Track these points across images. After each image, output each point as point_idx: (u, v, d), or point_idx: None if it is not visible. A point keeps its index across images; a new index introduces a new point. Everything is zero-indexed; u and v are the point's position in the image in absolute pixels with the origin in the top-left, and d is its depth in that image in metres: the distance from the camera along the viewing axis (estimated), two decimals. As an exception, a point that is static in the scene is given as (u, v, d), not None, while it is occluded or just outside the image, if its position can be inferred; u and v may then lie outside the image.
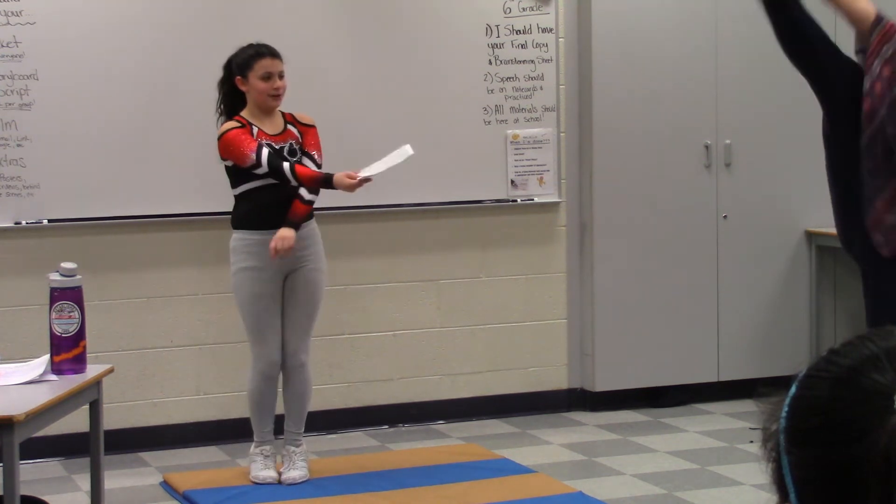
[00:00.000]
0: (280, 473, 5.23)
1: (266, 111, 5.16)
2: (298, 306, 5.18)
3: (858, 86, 4.06)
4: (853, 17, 4.04)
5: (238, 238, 5.15)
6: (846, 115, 4.03)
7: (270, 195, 5.10)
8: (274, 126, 5.19)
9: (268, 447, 5.26)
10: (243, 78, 5.12)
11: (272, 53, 5.14)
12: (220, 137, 5.10)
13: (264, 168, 5.03)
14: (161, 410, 5.94)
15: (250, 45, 5.17)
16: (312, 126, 5.27)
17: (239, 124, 5.10)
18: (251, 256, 5.11)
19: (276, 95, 5.13)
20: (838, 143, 4.09)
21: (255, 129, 5.12)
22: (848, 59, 4.10)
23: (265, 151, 5.05)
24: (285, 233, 5.03)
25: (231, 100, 5.19)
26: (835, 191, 4.18)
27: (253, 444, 5.29)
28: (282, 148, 5.13)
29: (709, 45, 6.49)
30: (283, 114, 5.25)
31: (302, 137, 5.22)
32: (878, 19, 4.01)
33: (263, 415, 5.25)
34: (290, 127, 5.22)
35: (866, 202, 3.97)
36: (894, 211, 3.94)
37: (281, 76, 5.13)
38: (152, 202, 5.80)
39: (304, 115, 5.29)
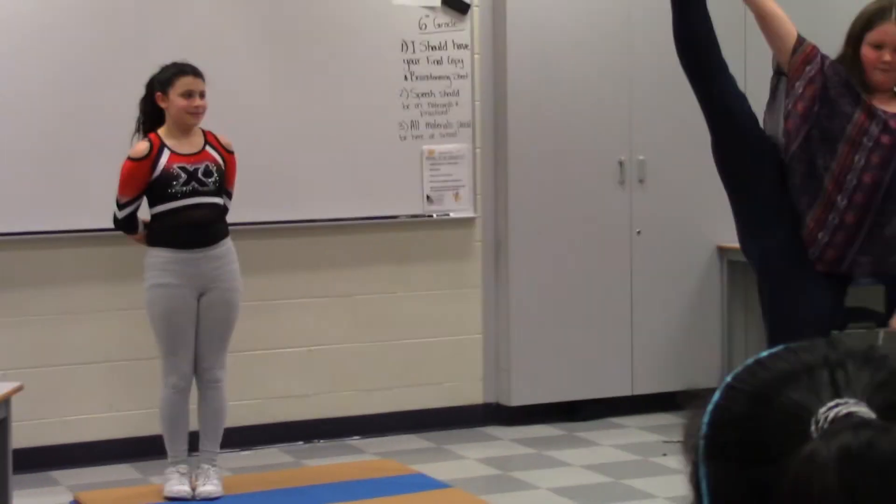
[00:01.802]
0: (194, 489, 5.17)
1: (184, 129, 5.12)
2: (213, 324, 5.15)
3: (742, 100, 4.15)
4: (776, 37, 4.11)
5: (154, 255, 5.11)
6: (732, 132, 4.14)
7: (187, 215, 5.06)
8: (191, 146, 5.14)
9: (183, 466, 5.20)
10: (164, 94, 5.08)
11: (194, 72, 5.11)
12: (126, 159, 5.09)
13: (117, 215, 5.11)
14: (72, 428, 5.84)
15: (174, 64, 5.14)
16: (233, 153, 5.26)
17: (143, 155, 5.05)
18: (166, 273, 5.07)
19: (195, 113, 5.09)
20: (725, 157, 4.21)
21: (167, 152, 5.06)
22: (729, 74, 4.19)
23: (124, 212, 5.09)
24: None
25: (151, 118, 5.15)
26: (732, 204, 4.28)
27: (168, 463, 5.22)
28: (196, 169, 5.09)
29: (623, 61, 6.55)
30: (205, 133, 5.20)
31: (224, 164, 5.20)
32: (800, 41, 4.09)
33: (177, 431, 5.19)
34: (209, 149, 5.17)
35: (799, 216, 4.08)
36: (825, 230, 4.04)
37: (202, 95, 5.10)
38: (64, 218, 5.72)
39: (225, 139, 5.26)
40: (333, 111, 6.13)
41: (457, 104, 6.37)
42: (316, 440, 6.21)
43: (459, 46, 6.36)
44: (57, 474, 5.69)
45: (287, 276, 6.16)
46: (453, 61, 6.36)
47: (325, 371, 6.26)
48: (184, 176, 5.05)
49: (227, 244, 5.19)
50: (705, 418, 1.10)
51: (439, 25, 6.32)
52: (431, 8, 6.29)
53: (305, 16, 6.10)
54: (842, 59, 4.11)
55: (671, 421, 6.46)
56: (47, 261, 5.76)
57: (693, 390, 1.16)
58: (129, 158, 5.07)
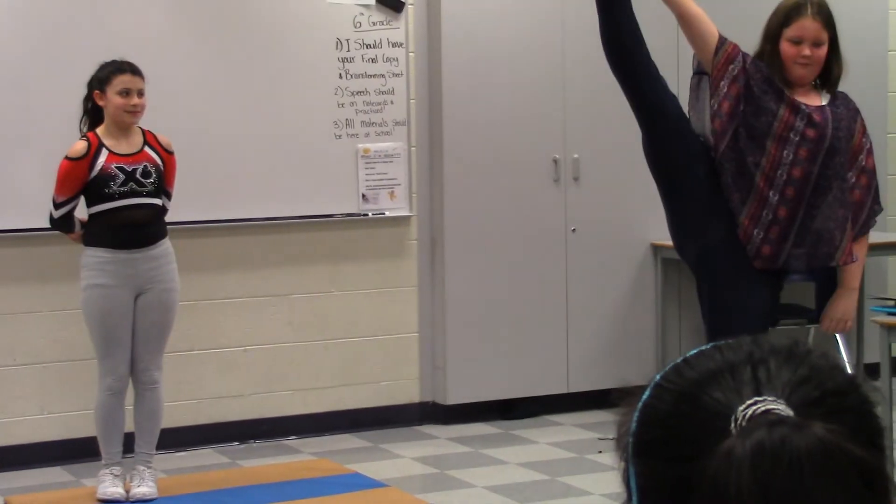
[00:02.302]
0: (128, 492, 5.12)
1: (122, 128, 5.06)
2: (150, 324, 5.10)
3: (672, 99, 4.19)
4: (699, 37, 4.15)
5: (90, 255, 5.05)
6: (663, 131, 4.17)
7: (124, 216, 5.02)
8: (130, 146, 5.08)
9: (117, 468, 5.15)
10: (101, 93, 5.03)
11: (132, 70, 5.05)
12: (64, 158, 5.03)
13: (53, 214, 5.05)
14: (3, 430, 5.76)
15: (112, 62, 5.08)
16: (173, 154, 5.21)
17: (81, 155, 4.99)
18: (102, 274, 5.02)
19: (133, 112, 5.03)
20: (657, 156, 4.25)
21: (105, 152, 5.01)
22: (657, 72, 4.22)
23: (60, 211, 5.03)
24: None
25: (93, 117, 5.09)
26: (664, 203, 4.32)
27: (102, 465, 5.16)
28: (134, 170, 5.03)
29: (557, 60, 6.58)
30: (144, 132, 5.15)
31: (164, 167, 5.14)
32: (722, 40, 4.14)
33: (112, 433, 5.13)
34: (147, 149, 5.12)
35: (734, 214, 4.12)
36: (759, 226, 4.09)
37: (140, 94, 5.04)
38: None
39: (165, 139, 5.21)
40: (268, 109, 6.10)
41: (392, 102, 6.36)
42: (252, 440, 6.18)
43: (394, 45, 6.35)
44: (-13, 478, 5.61)
45: (222, 276, 6.12)
46: (388, 59, 6.35)
47: (260, 371, 6.23)
48: (122, 176, 5.00)
49: (165, 244, 5.14)
50: (635, 416, 1.11)
51: (374, 24, 6.31)
52: (366, 6, 6.28)
53: (240, 14, 6.06)
54: (760, 55, 4.17)
55: (606, 418, 6.49)
56: (-23, 261, 5.67)
57: (627, 388, 1.16)
58: (67, 158, 5.00)
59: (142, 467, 5.16)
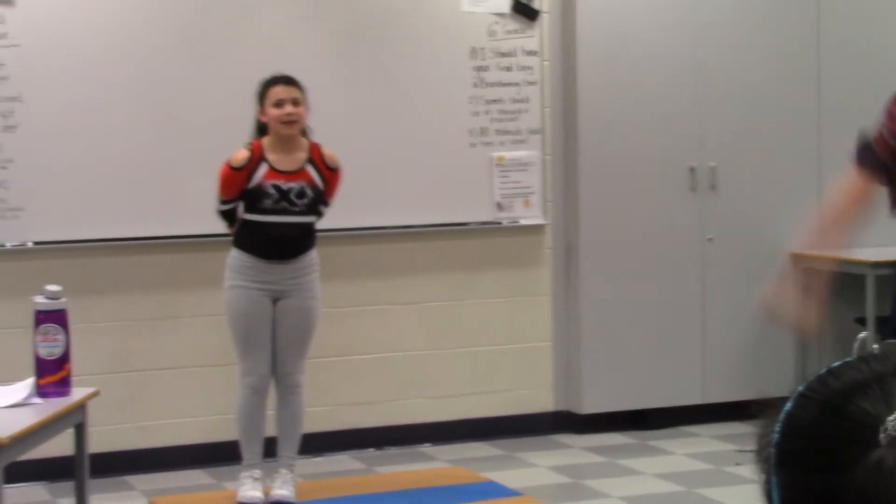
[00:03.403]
0: (266, 494, 5.20)
1: (284, 140, 5.07)
2: (289, 328, 5.15)
3: None
4: (871, 194, 3.85)
5: (234, 256, 5.13)
6: None
7: (272, 232, 5.06)
8: (291, 162, 5.08)
9: (257, 471, 5.20)
10: (261, 108, 5.08)
11: (285, 81, 5.07)
12: (225, 163, 5.09)
13: (218, 207, 5.12)
14: (147, 433, 5.91)
15: (269, 77, 5.11)
16: (336, 170, 5.20)
17: (240, 166, 5.02)
18: (244, 276, 5.09)
19: (288, 122, 5.03)
20: None
21: (265, 167, 5.03)
22: None
23: (224, 207, 5.09)
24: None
25: (262, 134, 5.12)
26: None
27: (242, 467, 5.25)
28: (289, 189, 5.05)
29: (693, 68, 6.51)
30: (311, 146, 5.14)
31: (324, 183, 5.15)
32: (879, 141, 3.83)
33: (252, 435, 5.18)
34: (308, 167, 5.11)
35: None
36: None
37: (295, 103, 5.04)
38: (138, 224, 5.80)
39: (330, 156, 5.18)
40: (404, 119, 6.16)
41: (526, 111, 6.37)
42: (387, 447, 6.23)
43: (529, 53, 6.35)
44: (132, 479, 5.75)
45: (357, 284, 6.19)
46: (523, 68, 6.35)
47: (395, 378, 6.28)
48: (276, 195, 5.02)
49: (310, 256, 5.18)
50: (777, 427, 1.10)
51: (509, 32, 6.32)
52: (501, 15, 6.30)
53: (376, 24, 6.13)
54: None
55: (744, 430, 6.39)
56: (122, 267, 5.83)
57: (766, 399, 1.15)
58: (228, 165, 5.06)
59: (284, 470, 5.24)
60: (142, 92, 5.77)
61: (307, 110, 5.11)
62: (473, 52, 6.27)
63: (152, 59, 5.78)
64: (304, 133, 5.16)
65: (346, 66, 6.08)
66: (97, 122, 5.71)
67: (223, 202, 5.10)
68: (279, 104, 5.02)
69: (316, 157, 5.14)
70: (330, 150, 5.19)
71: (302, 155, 5.11)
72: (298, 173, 5.08)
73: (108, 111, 5.73)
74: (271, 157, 5.06)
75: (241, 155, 5.05)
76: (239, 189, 5.05)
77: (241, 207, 5.11)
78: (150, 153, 5.80)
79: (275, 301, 5.14)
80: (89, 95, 5.70)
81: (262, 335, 5.11)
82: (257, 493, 5.16)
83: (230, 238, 5.20)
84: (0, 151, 5.59)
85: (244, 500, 5.16)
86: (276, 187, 5.03)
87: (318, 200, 5.14)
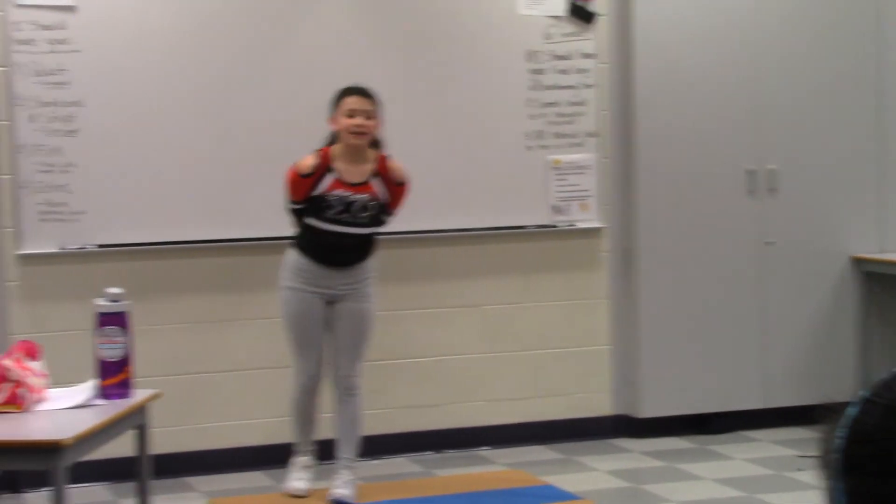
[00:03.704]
0: (308, 492, 5.28)
1: (352, 151, 5.09)
2: (345, 331, 5.20)
3: None
4: None
5: (293, 257, 5.18)
6: None
7: (332, 240, 5.10)
8: (358, 174, 5.12)
9: (306, 458, 5.37)
10: (333, 116, 5.11)
11: (361, 92, 5.10)
12: (293, 167, 5.13)
13: (291, 206, 5.16)
14: (207, 435, 5.95)
15: (345, 87, 5.15)
16: (403, 184, 5.20)
17: (307, 173, 5.05)
18: (298, 278, 5.15)
19: (357, 133, 5.06)
20: None
21: (332, 177, 5.07)
22: None
23: (295, 207, 5.12)
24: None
25: (334, 141, 5.16)
26: None
27: (294, 454, 5.39)
28: (353, 202, 5.08)
29: (752, 69, 6.46)
30: (380, 158, 5.16)
31: (389, 196, 5.18)
32: None
33: (303, 425, 5.36)
34: (373, 182, 5.14)
35: None
36: None
37: (368, 116, 5.07)
38: (199, 227, 5.84)
39: (399, 170, 5.20)
40: (460, 122, 6.16)
41: (583, 114, 6.35)
42: (445, 450, 6.23)
43: (586, 56, 6.33)
44: (192, 480, 5.80)
45: (415, 286, 6.20)
46: (580, 71, 6.33)
47: (453, 381, 6.28)
48: (339, 206, 5.07)
49: (367, 267, 5.23)
50: (841, 432, 1.09)
51: (565, 35, 6.30)
52: (557, 18, 6.28)
53: (432, 28, 6.13)
54: None
55: (805, 435, 6.33)
56: (182, 270, 5.88)
57: (829, 404, 1.14)
58: (295, 170, 5.10)
59: (344, 472, 5.28)
60: (201, 95, 5.82)
61: (379, 124, 5.13)
62: (530, 55, 6.26)
63: (212, 63, 5.83)
64: (375, 144, 5.18)
65: (404, 70, 6.08)
66: (158, 126, 5.76)
67: (294, 202, 5.15)
68: (351, 115, 5.04)
69: (382, 169, 5.15)
70: (398, 163, 5.20)
71: (369, 167, 5.13)
72: (363, 186, 5.11)
73: (168, 115, 5.78)
74: (339, 166, 5.08)
75: (309, 161, 5.08)
76: (305, 193, 5.09)
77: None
78: (209, 156, 5.84)
79: (329, 303, 5.16)
80: (150, 99, 5.75)
81: (314, 336, 5.18)
82: (302, 486, 5.26)
83: (289, 241, 5.24)
84: (62, 156, 5.66)
85: (289, 491, 5.30)
86: (340, 199, 5.06)
87: (381, 213, 5.17)
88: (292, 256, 5.18)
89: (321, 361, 5.24)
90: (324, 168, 5.07)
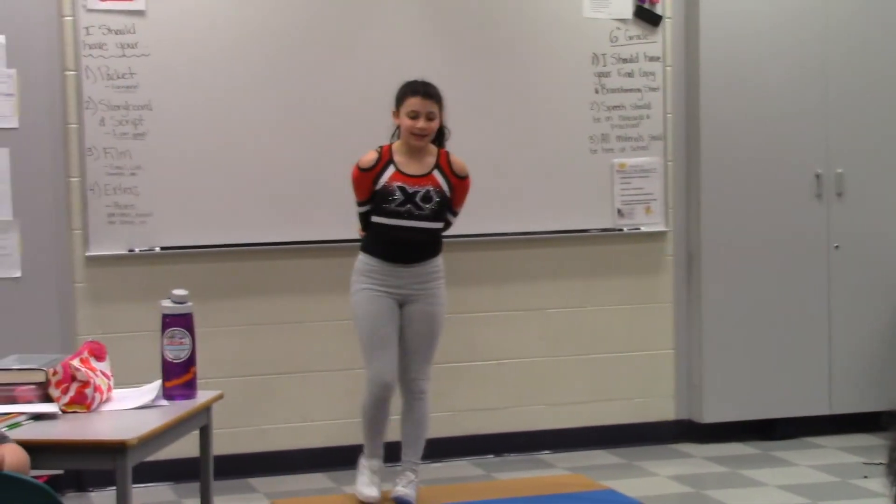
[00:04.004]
0: (378, 498, 5.24)
1: (412, 148, 5.12)
2: (415, 334, 5.16)
3: None
4: None
5: (362, 260, 5.16)
6: None
7: (398, 235, 5.08)
8: (420, 166, 5.12)
9: (376, 462, 5.27)
10: (396, 111, 5.12)
11: (424, 93, 5.06)
12: (355, 165, 5.16)
13: (357, 209, 5.16)
14: (268, 437, 5.99)
15: (409, 82, 5.12)
16: (465, 178, 5.20)
17: (368, 166, 5.08)
18: (369, 279, 5.12)
19: (418, 135, 5.06)
20: None
21: (392, 169, 5.08)
22: None
23: (362, 209, 5.13)
24: None
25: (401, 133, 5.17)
26: None
27: (362, 457, 5.29)
28: (415, 192, 5.08)
29: (819, 71, 6.39)
30: (439, 153, 5.17)
31: (452, 191, 5.16)
32: None
33: (375, 430, 5.23)
34: (436, 173, 5.14)
35: None
36: None
37: (429, 117, 5.06)
38: (264, 230, 5.88)
39: (459, 164, 5.19)
40: (525, 125, 6.15)
41: (648, 117, 6.31)
42: (506, 453, 6.23)
43: (651, 59, 6.30)
44: (254, 481, 5.84)
45: (478, 290, 6.20)
46: (645, 74, 6.30)
47: (515, 384, 6.27)
48: (401, 197, 5.06)
49: (436, 262, 5.20)
50: None
51: (631, 38, 6.28)
52: (623, 20, 6.26)
53: (498, 30, 6.13)
54: None
55: (873, 442, 6.26)
56: (245, 272, 5.92)
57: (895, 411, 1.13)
58: (357, 166, 5.12)
59: (408, 473, 5.27)
60: (268, 98, 5.86)
61: (443, 120, 5.12)
62: (595, 58, 6.24)
63: (278, 65, 5.87)
64: (439, 135, 5.17)
65: (468, 72, 6.09)
66: (224, 130, 5.81)
67: (360, 203, 5.16)
68: (414, 116, 5.05)
69: (444, 164, 5.15)
70: (459, 158, 5.20)
71: (430, 160, 5.14)
72: (426, 177, 5.11)
73: (235, 118, 5.82)
74: (399, 159, 5.10)
75: (369, 156, 5.11)
76: (368, 190, 5.09)
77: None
78: (275, 159, 5.88)
79: (401, 305, 5.16)
80: (217, 103, 5.80)
81: (389, 338, 5.12)
82: (373, 492, 5.21)
83: (357, 243, 5.25)
84: (129, 158, 5.72)
85: (360, 496, 5.23)
86: (402, 189, 5.06)
87: (445, 206, 5.15)
88: (361, 259, 5.16)
89: (395, 367, 5.15)
90: (384, 162, 5.09)
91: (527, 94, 6.16)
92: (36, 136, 5.60)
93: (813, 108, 6.39)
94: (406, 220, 5.08)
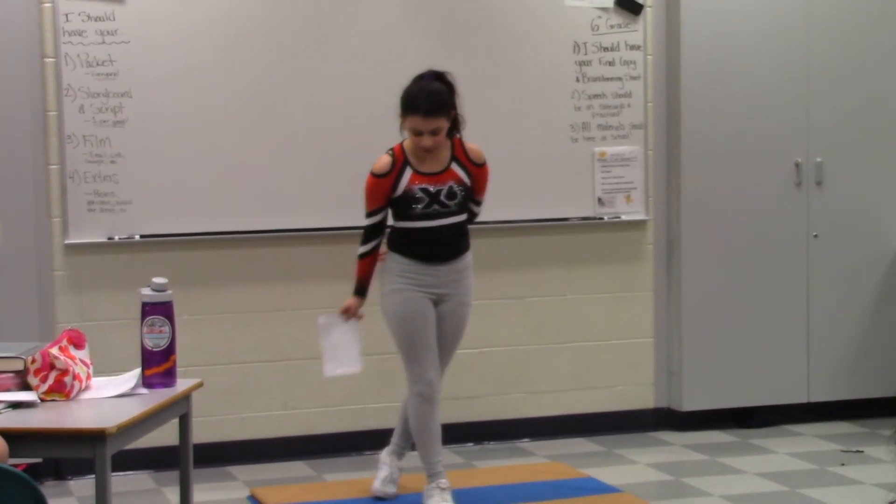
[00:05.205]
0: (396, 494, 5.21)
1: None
2: (444, 338, 5.01)
3: None
4: None
5: (394, 260, 4.95)
6: None
7: (428, 235, 4.90)
8: (436, 163, 4.91)
9: (444, 480, 5.00)
10: (402, 120, 4.87)
11: (425, 112, 4.78)
12: (369, 173, 4.93)
13: (365, 223, 4.94)
14: (248, 425, 5.99)
15: (410, 95, 4.83)
16: (483, 165, 5.02)
17: (384, 172, 4.87)
18: (404, 279, 4.92)
19: (425, 149, 4.84)
20: None
21: (409, 171, 4.87)
22: None
23: (371, 220, 4.91)
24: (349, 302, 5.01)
25: None
26: None
27: (428, 477, 5.02)
28: (438, 191, 4.88)
29: (800, 61, 6.41)
30: (455, 143, 4.96)
31: (472, 180, 4.98)
32: None
33: (430, 442, 4.97)
34: (454, 165, 4.94)
35: None
36: None
37: (434, 133, 4.80)
38: (243, 218, 5.87)
39: (475, 151, 5.00)
40: (505, 113, 6.15)
41: (629, 106, 6.32)
42: (486, 442, 6.24)
43: (632, 47, 6.31)
44: (234, 469, 5.84)
45: (458, 278, 6.20)
46: (626, 62, 6.31)
47: (495, 373, 6.28)
48: (426, 199, 4.87)
49: (468, 258, 5.02)
50: None
51: (612, 26, 6.28)
52: (604, 9, 6.26)
53: (478, 18, 6.13)
54: None
55: (850, 430, 6.30)
56: (225, 261, 5.91)
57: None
58: (372, 174, 4.90)
59: (441, 480, 5.05)
60: (248, 86, 5.85)
61: (459, 109, 4.91)
62: (576, 46, 6.24)
63: (258, 54, 5.86)
64: (453, 127, 4.94)
65: (449, 60, 6.06)
66: (204, 118, 5.80)
67: (370, 214, 4.92)
68: (417, 133, 4.82)
69: (460, 154, 4.96)
70: (474, 145, 5.03)
71: (445, 153, 4.94)
72: (445, 174, 4.92)
73: (215, 106, 5.81)
74: (414, 159, 4.89)
75: (384, 161, 4.89)
76: (386, 197, 4.89)
77: (389, 216, 4.96)
78: (256, 147, 5.87)
79: (435, 304, 4.97)
80: (197, 91, 5.79)
81: (429, 337, 4.92)
82: (393, 490, 5.15)
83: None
84: (109, 146, 5.71)
85: (379, 494, 5.16)
86: (425, 191, 4.87)
87: (468, 198, 4.98)
88: (394, 260, 4.95)
89: (437, 364, 4.95)
90: (399, 165, 4.89)
91: (508, 82, 6.16)
92: (15, 124, 5.58)
93: (793, 97, 6.41)
94: (434, 221, 4.89)
